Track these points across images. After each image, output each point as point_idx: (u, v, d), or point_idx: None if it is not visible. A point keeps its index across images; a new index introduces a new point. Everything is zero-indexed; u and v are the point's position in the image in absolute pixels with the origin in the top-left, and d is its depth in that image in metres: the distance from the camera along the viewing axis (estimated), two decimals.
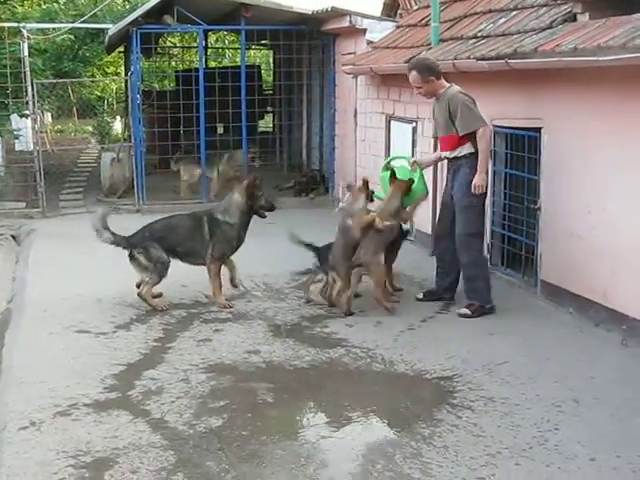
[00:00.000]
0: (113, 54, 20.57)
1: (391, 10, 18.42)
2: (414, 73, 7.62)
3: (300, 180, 14.86)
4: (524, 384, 5.92)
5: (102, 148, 17.18)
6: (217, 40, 24.40)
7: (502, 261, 8.84)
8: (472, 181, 7.42)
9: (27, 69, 12.72)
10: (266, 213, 8.23)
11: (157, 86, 23.26)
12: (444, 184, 8.31)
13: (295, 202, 14.04)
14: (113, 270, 8.83)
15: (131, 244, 7.93)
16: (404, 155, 9.05)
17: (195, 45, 21.96)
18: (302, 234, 8.32)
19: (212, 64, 24.05)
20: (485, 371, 6.17)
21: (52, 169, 19.11)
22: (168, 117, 14.59)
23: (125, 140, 15.72)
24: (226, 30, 18.86)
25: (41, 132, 25.87)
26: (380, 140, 11.75)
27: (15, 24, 13.00)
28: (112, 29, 13.65)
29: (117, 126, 22.57)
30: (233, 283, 8.18)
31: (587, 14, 7.25)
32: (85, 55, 15.99)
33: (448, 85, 7.65)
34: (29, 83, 12.78)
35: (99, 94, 33.63)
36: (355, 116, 12.83)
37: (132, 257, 7.89)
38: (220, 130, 17.63)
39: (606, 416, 5.36)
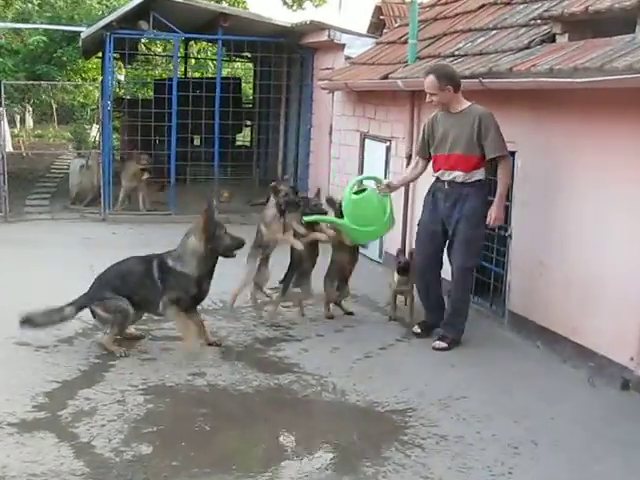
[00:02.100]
0: (94, 59, 20.28)
1: (377, 29, 18.23)
2: (431, 78, 6.93)
3: None
4: (481, 422, 5.56)
5: (78, 154, 16.74)
6: (200, 50, 24.09)
7: (471, 289, 8.48)
8: (483, 212, 6.96)
9: None
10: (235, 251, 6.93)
11: (139, 94, 22.95)
12: (424, 208, 7.46)
13: None
14: (65, 280, 8.48)
15: (88, 298, 6.88)
16: (374, 176, 8.32)
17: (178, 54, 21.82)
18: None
19: (195, 75, 23.78)
20: (441, 406, 5.81)
21: (24, 173, 18.80)
22: (141, 126, 14.27)
23: (95, 147, 15.33)
24: (202, 39, 18.49)
25: (17, 136, 25.74)
26: (354, 158, 11.44)
27: None
28: (85, 32, 13.32)
29: (95, 133, 22.18)
30: (208, 341, 6.96)
31: (566, 35, 6.94)
32: (61, 59, 15.61)
33: (470, 102, 7.01)
34: None
35: (82, 100, 33.21)
36: (330, 133, 12.52)
37: (91, 311, 6.86)
38: (196, 142, 17.37)
39: (564, 461, 5.02)
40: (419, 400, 5.89)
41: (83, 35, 13.40)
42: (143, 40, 19.57)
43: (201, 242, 6.65)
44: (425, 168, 7.47)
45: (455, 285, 7.21)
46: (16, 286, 8.70)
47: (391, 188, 7.71)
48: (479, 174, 6.95)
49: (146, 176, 13.63)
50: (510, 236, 7.66)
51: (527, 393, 6.17)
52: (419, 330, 7.43)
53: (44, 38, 14.60)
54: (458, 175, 6.98)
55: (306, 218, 7.59)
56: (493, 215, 6.92)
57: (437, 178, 7.20)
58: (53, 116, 31.79)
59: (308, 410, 5.73)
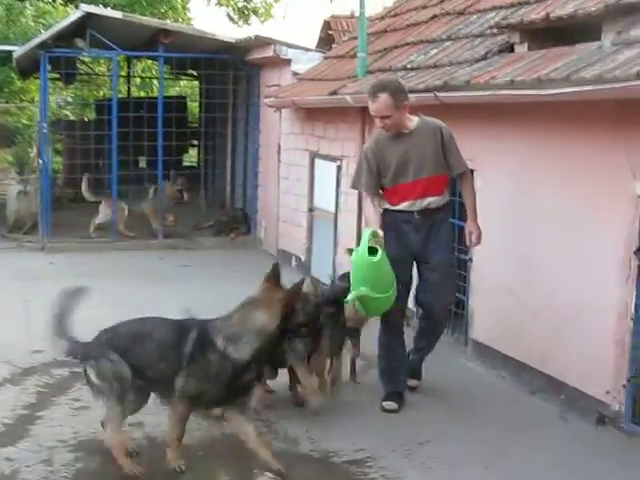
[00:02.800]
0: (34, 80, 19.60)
1: (326, 45, 17.81)
2: (385, 97, 5.71)
3: (220, 219, 13.96)
4: (448, 468, 5.07)
5: (21, 180, 16.00)
6: (144, 69, 23.49)
7: None
8: (453, 235, 6.34)
9: None
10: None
11: (86, 116, 22.31)
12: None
13: (214, 242, 13.24)
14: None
15: (84, 353, 5.14)
16: (373, 229, 5.88)
17: (121, 74, 21.21)
18: (220, 278, 7.39)
19: (141, 94, 23.16)
20: (403, 452, 5.28)
21: None
22: (82, 149, 13.75)
23: (35, 172, 14.70)
24: (143, 56, 17.91)
25: None
26: (303, 179, 10.96)
27: None
28: (17, 52, 12.68)
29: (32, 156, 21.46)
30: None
31: (525, 44, 6.50)
32: None
33: (416, 117, 6.01)
34: None
35: (26, 122, 32.28)
36: (278, 152, 12.01)
37: (84, 372, 5.13)
38: (142, 164, 16.82)
39: None
40: (379, 446, 5.35)
41: (16, 54, 12.76)
42: (85, 59, 19.03)
43: (274, 320, 4.84)
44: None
45: (440, 325, 6.32)
46: None
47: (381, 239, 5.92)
48: (447, 195, 6.13)
49: (186, 197, 13.47)
50: (471, 259, 7.18)
51: (496, 432, 5.67)
52: (396, 405, 6.06)
53: None
54: (432, 201, 5.97)
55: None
56: (475, 232, 6.10)
57: (398, 211, 6.05)
58: None
59: (255, 462, 5.12)
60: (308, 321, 5.28)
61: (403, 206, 6.01)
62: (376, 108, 5.81)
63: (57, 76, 17.39)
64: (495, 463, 5.14)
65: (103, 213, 13.11)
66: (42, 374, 6.70)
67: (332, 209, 10.12)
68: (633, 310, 5.44)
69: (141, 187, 13.56)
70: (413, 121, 5.98)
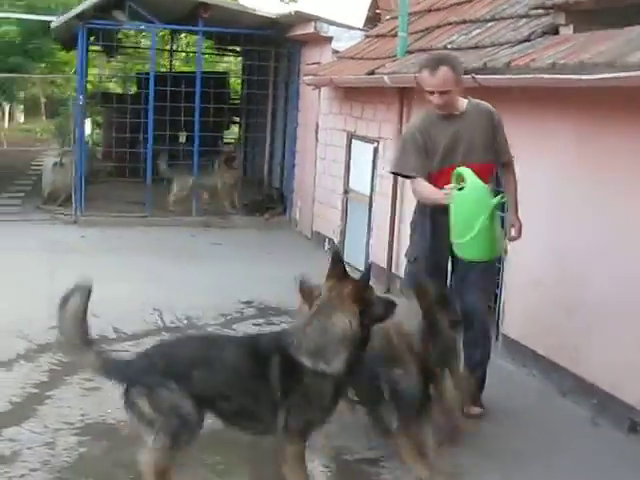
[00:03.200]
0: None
1: (372, 23, 17.45)
2: (446, 70, 5.26)
3: (256, 198, 13.74)
4: (469, 474, 4.79)
5: (64, 151, 15.87)
6: (188, 44, 23.30)
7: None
8: None
9: None
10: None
11: (130, 89, 22.19)
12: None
13: (248, 221, 12.97)
14: (21, 288, 7.90)
15: (131, 377, 4.19)
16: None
17: (166, 48, 21.07)
18: (254, 258, 7.15)
19: (185, 69, 22.96)
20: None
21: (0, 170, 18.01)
22: (120, 122, 13.65)
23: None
24: (182, 30, 17.74)
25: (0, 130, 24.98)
26: (340, 160, 10.68)
27: None
28: (55, 22, 12.52)
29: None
30: None
31: (571, 26, 6.15)
32: (36, 50, 14.82)
33: (465, 98, 5.55)
34: None
35: (73, 94, 32.34)
36: (316, 132, 11.74)
37: (127, 399, 4.18)
38: (182, 139, 16.65)
39: None
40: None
41: (53, 25, 12.62)
42: (129, 32, 18.88)
43: (354, 320, 4.11)
44: None
45: (482, 337, 5.66)
46: None
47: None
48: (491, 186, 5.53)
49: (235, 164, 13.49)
50: (505, 251, 6.87)
51: (522, 433, 5.41)
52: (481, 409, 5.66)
53: (14, 28, 13.79)
54: None
55: None
56: (517, 225, 5.62)
57: None
58: (41, 110, 30.97)
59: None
60: (385, 313, 4.34)
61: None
62: (436, 82, 5.30)
63: (99, 49, 17.31)
64: (519, 468, 4.89)
65: (177, 187, 13.07)
66: (56, 351, 6.53)
67: (367, 192, 9.86)
68: None
69: (186, 162, 13.39)
70: (463, 102, 5.52)
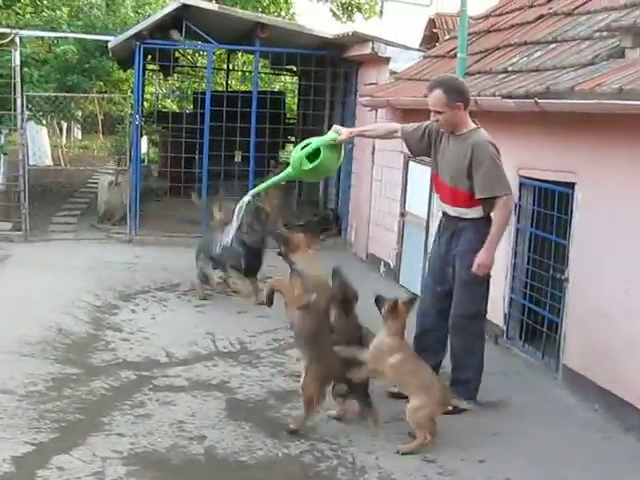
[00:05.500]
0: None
1: (429, 43, 17.31)
2: (438, 92, 5.81)
3: (312, 219, 13.63)
4: None
5: (114, 170, 15.96)
6: (245, 63, 23.38)
7: (520, 335, 7.51)
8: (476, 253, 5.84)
9: (17, 79, 11.68)
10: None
11: (187, 108, 22.31)
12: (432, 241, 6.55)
13: None
14: (72, 309, 7.86)
15: None
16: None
17: (222, 67, 21.14)
18: None
19: (242, 89, 23.04)
20: None
21: (57, 187, 18.14)
22: (175, 142, 13.67)
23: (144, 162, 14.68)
24: (238, 50, 17.78)
25: (56, 146, 25.24)
26: (397, 182, 10.52)
27: (8, 30, 11.90)
28: (113, 42, 12.58)
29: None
30: None
31: (638, 50, 5.95)
32: (94, 69, 14.95)
33: (474, 126, 5.92)
34: (19, 95, 11.71)
35: (130, 112, 32.66)
36: (372, 153, 11.60)
37: None
38: (238, 158, 16.61)
39: None
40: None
41: (111, 44, 12.67)
42: (187, 51, 18.97)
43: None
44: (390, 138, 7.12)
45: (452, 334, 6.12)
46: (17, 315, 7.96)
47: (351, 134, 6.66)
48: (473, 212, 5.90)
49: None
50: (567, 279, 6.67)
51: (582, 472, 5.18)
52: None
53: (73, 47, 13.91)
54: (448, 208, 6.11)
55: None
56: (478, 260, 5.79)
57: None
58: (98, 127, 31.34)
59: None
60: None
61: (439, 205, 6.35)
62: (429, 103, 5.96)
63: (156, 68, 17.40)
64: None
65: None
66: (107, 375, 6.48)
67: (424, 215, 9.68)
68: None
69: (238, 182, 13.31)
70: (468, 128, 5.94)
